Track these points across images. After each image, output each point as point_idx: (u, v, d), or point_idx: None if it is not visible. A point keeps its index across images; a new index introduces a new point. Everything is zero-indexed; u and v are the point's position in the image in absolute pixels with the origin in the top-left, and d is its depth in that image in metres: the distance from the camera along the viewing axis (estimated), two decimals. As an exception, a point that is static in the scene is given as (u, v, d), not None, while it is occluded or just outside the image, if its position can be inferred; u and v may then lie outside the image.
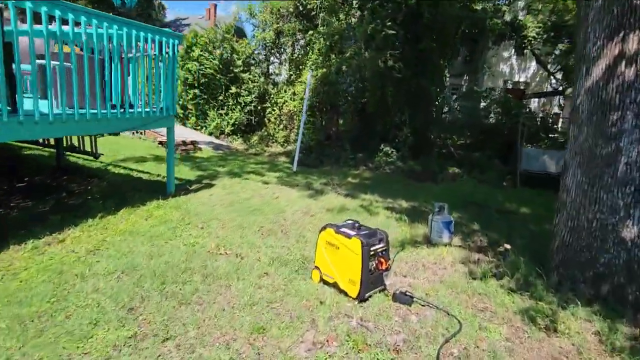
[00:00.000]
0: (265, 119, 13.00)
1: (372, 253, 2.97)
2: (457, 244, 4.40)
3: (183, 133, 11.83)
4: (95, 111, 4.45)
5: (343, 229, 3.11)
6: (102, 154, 7.23)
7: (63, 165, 7.02)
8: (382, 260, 3.05)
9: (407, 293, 3.01)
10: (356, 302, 3.01)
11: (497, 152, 9.52)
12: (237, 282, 3.26)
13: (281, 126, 12.61)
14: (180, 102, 13.29)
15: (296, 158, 8.77)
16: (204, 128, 13.27)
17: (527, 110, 11.45)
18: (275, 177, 7.76)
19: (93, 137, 6.90)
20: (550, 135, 10.06)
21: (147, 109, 5.06)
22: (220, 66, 12.71)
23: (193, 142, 10.76)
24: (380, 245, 3.07)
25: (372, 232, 3.11)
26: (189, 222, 4.63)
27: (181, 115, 13.47)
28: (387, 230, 5.01)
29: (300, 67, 12.44)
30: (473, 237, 4.65)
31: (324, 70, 10.92)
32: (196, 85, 12.78)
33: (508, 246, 4.11)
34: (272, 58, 13.82)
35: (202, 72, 12.60)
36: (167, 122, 5.51)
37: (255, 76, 13.11)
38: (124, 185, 6.21)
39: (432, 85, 10.89)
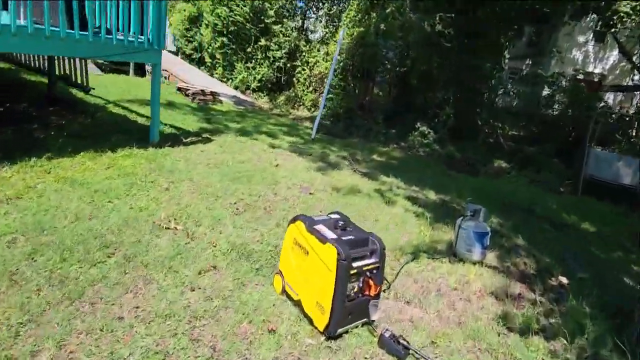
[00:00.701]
0: (294, 79, 11.87)
1: (354, 271, 1.90)
2: (490, 263, 3.21)
3: (207, 83, 11.03)
4: (57, 29, 3.58)
5: (319, 227, 2.04)
6: (93, 89, 6.44)
7: (57, 96, 6.35)
8: (370, 282, 1.98)
9: (402, 340, 1.94)
10: (322, 339, 1.99)
11: (557, 149, 7.89)
12: (166, 275, 2.31)
13: (310, 88, 11.47)
14: (210, 50, 12.46)
15: (316, 124, 7.65)
16: (230, 80, 12.36)
17: (603, 104, 9.52)
18: (288, 142, 6.72)
19: (85, 69, 6.11)
20: (631, 140, 8.19)
21: (122, 37, 4.07)
22: (251, 14, 11.56)
23: (213, 93, 9.92)
24: (371, 261, 1.98)
25: (361, 239, 2.02)
26: (154, 180, 3.73)
27: (209, 65, 12.68)
28: (402, 227, 3.89)
29: (336, 23, 11.06)
30: (514, 257, 3.41)
31: (362, 29, 9.47)
32: (225, 32, 11.76)
33: (565, 280, 2.91)
34: (308, 12, 12.46)
35: (231, 18, 11.51)
36: (152, 57, 4.52)
37: (288, 30, 11.87)
38: (109, 126, 5.41)
39: (486, 62, 9.22)
